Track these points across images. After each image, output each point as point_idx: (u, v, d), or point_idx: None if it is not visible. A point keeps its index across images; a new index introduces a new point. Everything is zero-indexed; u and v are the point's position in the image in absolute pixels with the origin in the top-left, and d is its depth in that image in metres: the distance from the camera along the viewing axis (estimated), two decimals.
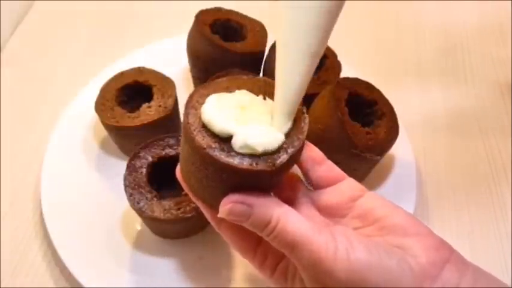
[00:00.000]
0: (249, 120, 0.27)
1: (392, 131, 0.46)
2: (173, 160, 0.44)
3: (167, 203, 0.41)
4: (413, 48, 0.66)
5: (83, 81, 0.57)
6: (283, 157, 0.27)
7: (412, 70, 0.64)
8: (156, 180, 0.43)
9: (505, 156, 0.54)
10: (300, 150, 0.28)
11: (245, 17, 0.56)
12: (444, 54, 0.65)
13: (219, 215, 0.28)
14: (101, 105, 0.49)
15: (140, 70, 0.51)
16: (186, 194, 0.41)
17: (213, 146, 0.26)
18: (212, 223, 0.32)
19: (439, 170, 0.53)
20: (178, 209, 0.41)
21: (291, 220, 0.27)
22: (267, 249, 0.31)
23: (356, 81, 0.47)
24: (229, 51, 0.50)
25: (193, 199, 0.31)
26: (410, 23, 0.70)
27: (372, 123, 0.47)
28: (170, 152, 0.44)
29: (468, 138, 0.56)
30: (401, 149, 0.50)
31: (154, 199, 0.41)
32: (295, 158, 0.28)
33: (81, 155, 0.51)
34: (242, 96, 0.29)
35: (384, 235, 0.28)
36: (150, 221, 0.42)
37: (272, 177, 0.28)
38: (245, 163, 0.26)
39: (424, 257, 0.26)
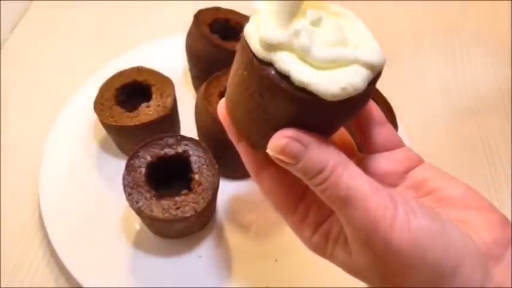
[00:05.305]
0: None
1: None
2: (172, 160, 0.44)
3: (166, 203, 0.41)
4: (413, 49, 0.66)
5: (82, 81, 0.57)
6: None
7: (412, 69, 0.64)
8: (155, 179, 0.43)
9: (505, 159, 0.54)
10: (371, 90, 0.23)
11: (244, 16, 0.56)
12: (444, 52, 0.65)
13: (268, 151, 0.23)
14: (99, 105, 0.49)
15: (139, 69, 0.51)
16: (186, 194, 0.42)
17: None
18: (250, 169, 0.28)
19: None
20: (177, 208, 0.41)
21: (349, 171, 0.23)
22: (311, 205, 0.27)
23: None
24: (228, 51, 0.50)
25: (234, 138, 0.27)
26: (410, 23, 0.70)
27: None
28: (169, 151, 0.44)
29: (468, 137, 0.56)
30: None
31: (153, 198, 0.41)
32: (368, 96, 0.24)
33: (80, 154, 0.51)
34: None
35: (441, 207, 0.25)
36: (149, 220, 0.42)
37: (337, 113, 0.24)
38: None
39: (489, 235, 0.23)
